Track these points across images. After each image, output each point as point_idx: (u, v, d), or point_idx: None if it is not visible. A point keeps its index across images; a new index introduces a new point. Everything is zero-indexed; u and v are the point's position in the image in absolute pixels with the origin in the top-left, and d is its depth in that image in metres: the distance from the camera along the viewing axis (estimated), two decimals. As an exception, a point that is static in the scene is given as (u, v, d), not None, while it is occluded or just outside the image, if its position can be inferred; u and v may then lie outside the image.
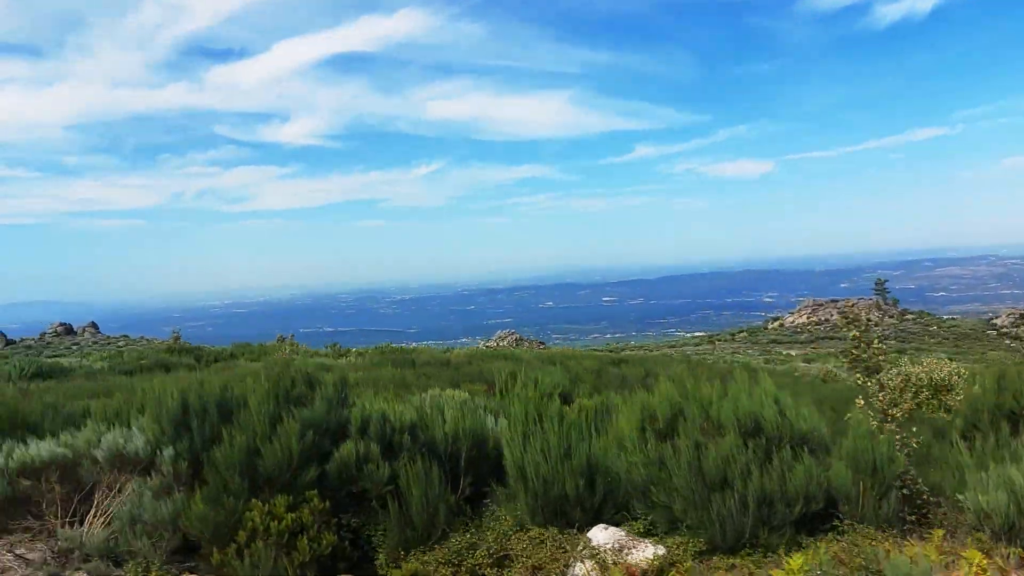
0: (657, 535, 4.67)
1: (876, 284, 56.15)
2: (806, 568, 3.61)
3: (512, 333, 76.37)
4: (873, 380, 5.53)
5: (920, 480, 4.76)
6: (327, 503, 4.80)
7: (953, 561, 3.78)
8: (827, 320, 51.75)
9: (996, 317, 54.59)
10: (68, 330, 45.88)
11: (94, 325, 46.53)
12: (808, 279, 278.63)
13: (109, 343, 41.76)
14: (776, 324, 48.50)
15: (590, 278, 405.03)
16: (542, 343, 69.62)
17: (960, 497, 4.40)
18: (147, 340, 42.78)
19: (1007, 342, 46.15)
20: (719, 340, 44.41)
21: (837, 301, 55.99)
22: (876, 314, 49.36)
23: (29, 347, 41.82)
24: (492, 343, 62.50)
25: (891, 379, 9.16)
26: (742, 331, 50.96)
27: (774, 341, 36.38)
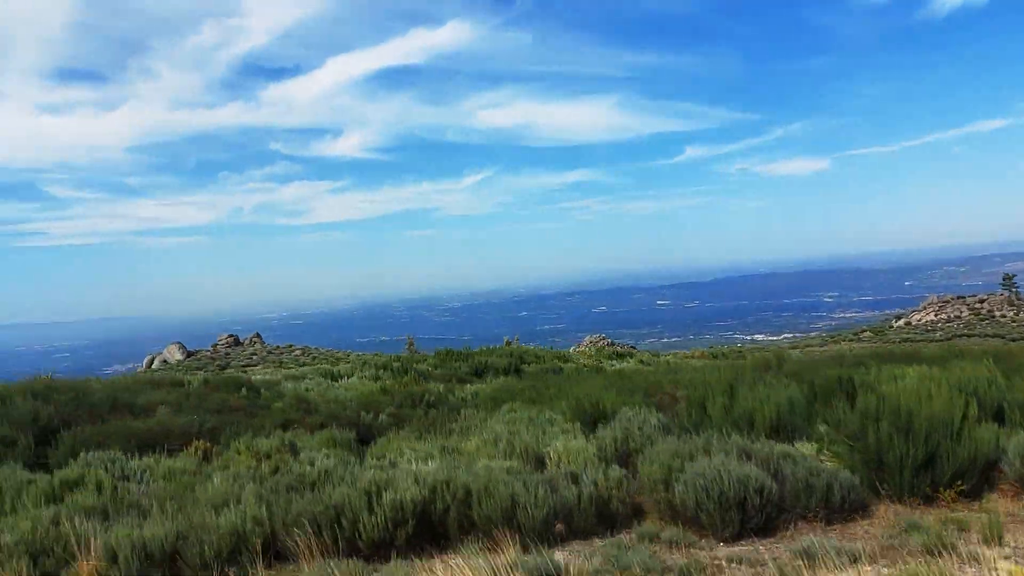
0: None
1: (1004, 279, 56.01)
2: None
3: (603, 338, 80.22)
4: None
5: None
6: None
7: None
8: (957, 317, 51.77)
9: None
10: (236, 341, 52.17)
11: (259, 336, 52.76)
12: (869, 277, 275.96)
13: (281, 352, 47.69)
14: (902, 322, 49.47)
15: (643, 281, 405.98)
16: (633, 347, 72.98)
17: None
18: (317, 348, 48.74)
19: None
20: (843, 340, 46.55)
21: (964, 297, 56.82)
22: (1009, 310, 50.05)
23: (213, 358, 48.08)
24: (583, 348, 66.26)
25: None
26: (865, 330, 51.39)
27: (907, 340, 37.97)
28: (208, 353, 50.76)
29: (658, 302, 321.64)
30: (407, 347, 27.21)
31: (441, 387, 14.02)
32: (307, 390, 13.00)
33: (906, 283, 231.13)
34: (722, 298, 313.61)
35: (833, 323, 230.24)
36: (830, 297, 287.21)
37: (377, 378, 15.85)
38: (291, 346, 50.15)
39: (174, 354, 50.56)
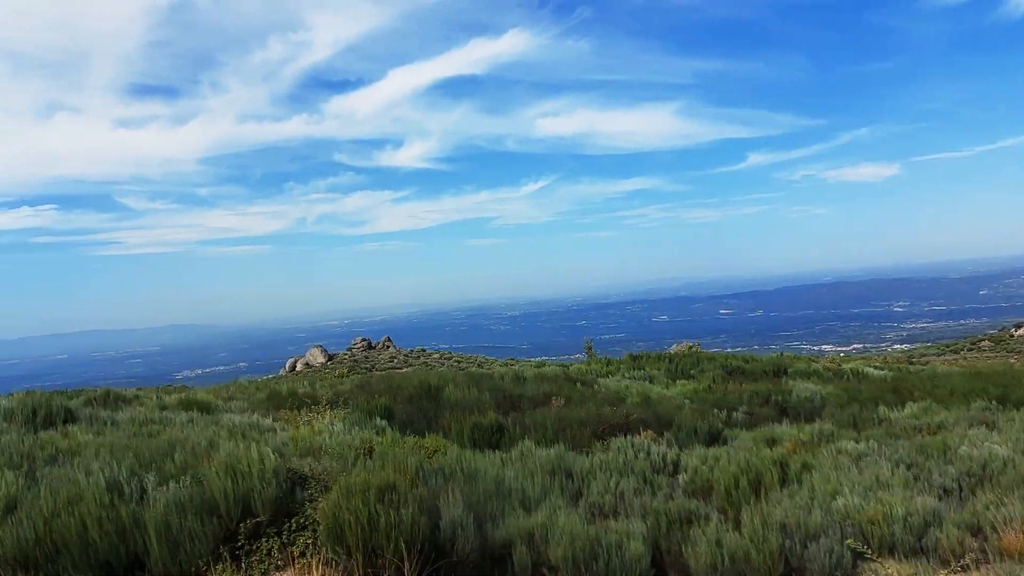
0: None
1: None
2: None
3: (691, 346, 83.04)
4: None
5: None
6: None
7: None
8: (1090, 325, 48.59)
9: None
10: (369, 345, 57.63)
11: (389, 339, 58.20)
12: (943, 287, 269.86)
13: (418, 355, 52.80)
14: (1023, 331, 48.45)
15: (704, 290, 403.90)
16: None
17: None
18: (450, 352, 53.74)
19: None
20: (960, 349, 46.22)
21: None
22: None
23: (356, 361, 53.48)
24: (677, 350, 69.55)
25: None
26: (982, 339, 50.53)
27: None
28: (347, 356, 56.17)
29: (720, 311, 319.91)
30: (585, 351, 31.36)
31: (770, 386, 15.44)
32: (626, 388, 16.04)
33: (981, 292, 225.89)
34: (786, 307, 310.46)
35: (904, 334, 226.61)
36: (900, 307, 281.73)
37: (650, 379, 19.82)
38: (423, 349, 55.23)
39: (317, 357, 56.24)
